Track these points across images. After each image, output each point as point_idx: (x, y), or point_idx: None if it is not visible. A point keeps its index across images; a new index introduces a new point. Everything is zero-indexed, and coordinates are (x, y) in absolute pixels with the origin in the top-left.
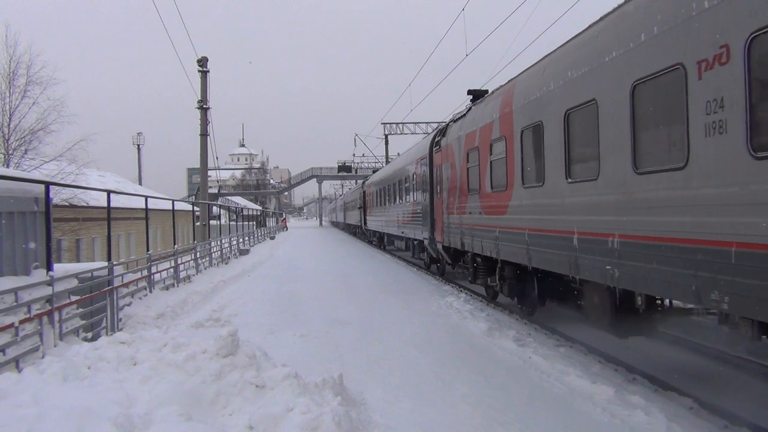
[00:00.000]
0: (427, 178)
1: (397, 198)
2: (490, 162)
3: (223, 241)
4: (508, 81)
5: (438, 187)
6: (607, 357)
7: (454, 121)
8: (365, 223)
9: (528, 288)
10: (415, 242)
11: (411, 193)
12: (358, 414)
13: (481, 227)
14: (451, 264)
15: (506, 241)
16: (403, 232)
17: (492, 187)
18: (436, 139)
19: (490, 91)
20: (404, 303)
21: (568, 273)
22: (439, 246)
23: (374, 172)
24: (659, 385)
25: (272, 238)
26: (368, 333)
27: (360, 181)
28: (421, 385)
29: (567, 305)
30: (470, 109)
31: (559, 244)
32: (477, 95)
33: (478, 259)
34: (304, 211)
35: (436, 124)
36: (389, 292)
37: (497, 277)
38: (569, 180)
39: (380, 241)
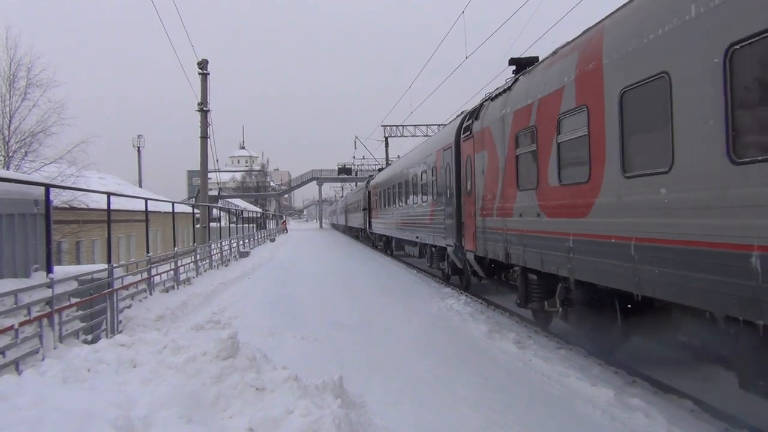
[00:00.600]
0: (452, 172)
1: (411, 197)
2: (558, 144)
3: (223, 243)
4: (586, 30)
5: (468, 182)
6: (607, 359)
7: (492, 98)
8: (370, 225)
9: (608, 318)
10: (434, 249)
11: (430, 191)
12: (358, 416)
13: (540, 234)
14: (485, 278)
15: (588, 255)
16: (417, 237)
17: (561, 180)
18: (466, 124)
19: (551, 52)
20: (405, 305)
21: (740, 314)
22: (470, 256)
23: (380, 170)
24: (659, 388)
25: (272, 240)
26: (369, 335)
27: (364, 181)
28: (422, 387)
29: (686, 350)
30: (517, 79)
31: (711, 265)
32: (523, 64)
33: (532, 276)
34: (304, 213)
35: (436, 127)
36: (390, 294)
37: (558, 301)
38: (737, 160)
39: (387, 246)
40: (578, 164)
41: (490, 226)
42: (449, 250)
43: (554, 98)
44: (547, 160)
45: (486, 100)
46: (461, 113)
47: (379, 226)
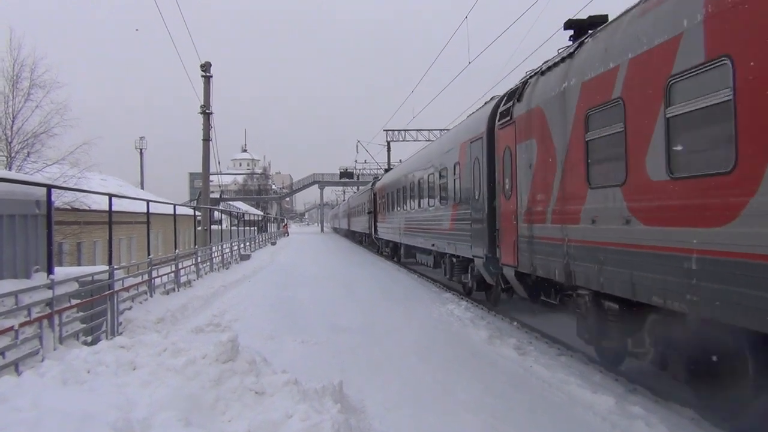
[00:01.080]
0: (483, 168)
1: (426, 200)
2: (667, 120)
3: (224, 246)
4: None
5: (507, 180)
6: (607, 367)
7: (542, 72)
8: (375, 230)
9: (737, 374)
10: (455, 260)
11: (450, 193)
12: (357, 421)
13: (629, 248)
14: (528, 299)
15: (735, 283)
16: (433, 246)
17: (672, 171)
18: (503, 108)
19: None
20: (405, 310)
21: None
22: (509, 272)
23: (387, 171)
24: (660, 396)
25: (273, 243)
26: (369, 339)
27: (366, 184)
28: (422, 392)
29: None
30: (583, 43)
31: None
32: (585, 26)
33: (611, 305)
34: (306, 216)
35: (438, 132)
36: (390, 299)
37: (648, 341)
38: None
39: (394, 252)
40: (708, 146)
41: (540, 235)
42: (477, 262)
43: (659, 55)
44: (646, 143)
45: (533, 75)
46: (492, 98)
47: (386, 232)
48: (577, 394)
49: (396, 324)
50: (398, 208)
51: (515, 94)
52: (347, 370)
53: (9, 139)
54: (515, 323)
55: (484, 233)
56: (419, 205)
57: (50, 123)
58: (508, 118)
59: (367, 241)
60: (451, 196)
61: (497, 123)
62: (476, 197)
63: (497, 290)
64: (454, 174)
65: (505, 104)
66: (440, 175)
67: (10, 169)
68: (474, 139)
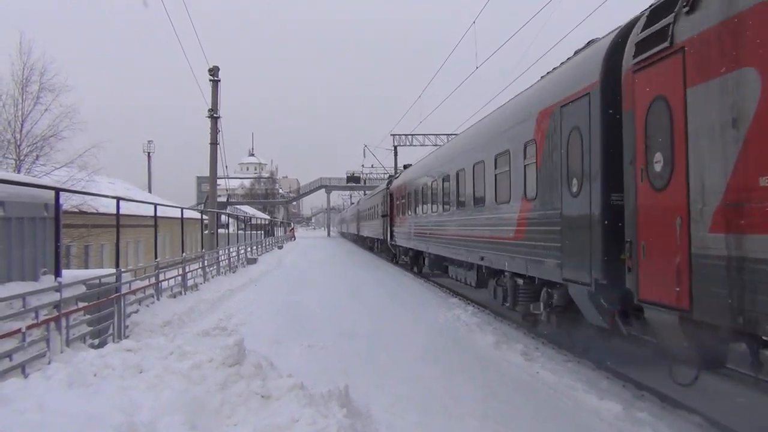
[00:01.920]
0: (590, 141)
1: (472, 197)
2: None
3: (231, 249)
4: None
5: (659, 155)
6: (614, 373)
7: None
8: (392, 236)
9: None
10: (520, 282)
11: (518, 185)
12: (363, 426)
13: None
14: (707, 370)
15: None
16: (483, 259)
17: None
18: (645, 34)
19: None
20: (412, 315)
21: None
22: (667, 317)
23: (406, 167)
24: (667, 403)
25: (280, 247)
26: (375, 344)
27: (373, 189)
28: (428, 397)
29: None
30: None
31: None
32: None
33: None
34: (312, 221)
35: (445, 137)
36: (397, 303)
37: None
38: None
39: (414, 262)
40: None
41: None
42: (575, 291)
43: None
44: None
45: None
46: (591, 41)
47: (406, 238)
48: (584, 400)
49: (402, 329)
50: (424, 210)
51: (677, 3)
52: (353, 374)
53: (18, 143)
54: (522, 329)
55: (594, 246)
56: (458, 205)
57: (59, 126)
58: (666, 44)
59: (381, 247)
60: (519, 190)
61: (631, 62)
62: (573, 189)
63: (589, 327)
64: (525, 158)
65: (648, 27)
66: (498, 163)
67: (19, 172)
68: (570, 100)
